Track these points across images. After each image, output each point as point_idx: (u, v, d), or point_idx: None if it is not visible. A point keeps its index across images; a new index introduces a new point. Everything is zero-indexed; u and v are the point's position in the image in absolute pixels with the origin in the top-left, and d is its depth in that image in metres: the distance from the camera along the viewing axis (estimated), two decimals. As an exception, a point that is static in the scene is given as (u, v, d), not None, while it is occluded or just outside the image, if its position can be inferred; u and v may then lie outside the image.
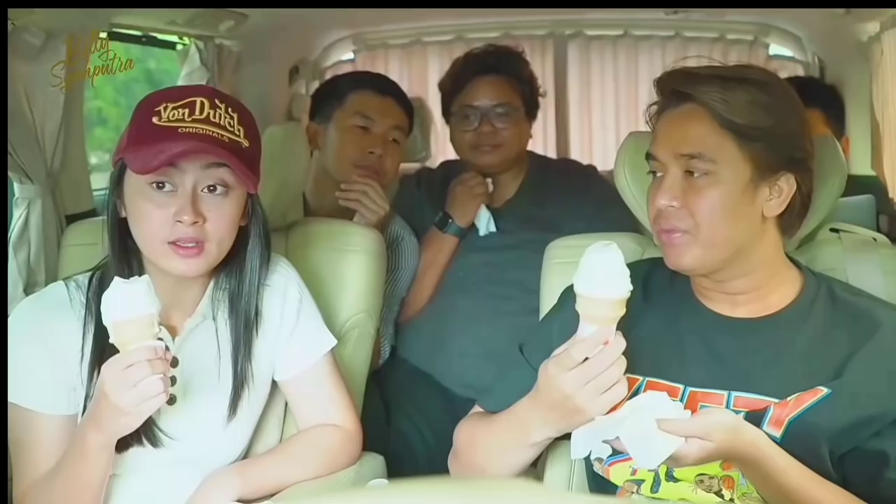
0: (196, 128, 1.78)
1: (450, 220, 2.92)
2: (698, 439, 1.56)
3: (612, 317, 1.62)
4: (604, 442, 1.64)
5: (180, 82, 3.63)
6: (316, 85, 4.49)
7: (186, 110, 1.79)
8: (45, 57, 2.54)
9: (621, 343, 1.63)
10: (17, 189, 2.57)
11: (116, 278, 1.67)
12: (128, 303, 1.63)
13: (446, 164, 3.33)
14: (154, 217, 1.78)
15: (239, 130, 1.83)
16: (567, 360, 1.63)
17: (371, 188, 2.77)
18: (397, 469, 2.37)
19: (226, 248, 1.86)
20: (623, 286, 1.61)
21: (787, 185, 1.72)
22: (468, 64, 3.06)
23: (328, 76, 4.53)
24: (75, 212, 2.73)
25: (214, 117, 1.80)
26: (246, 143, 1.83)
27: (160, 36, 3.51)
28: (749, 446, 1.61)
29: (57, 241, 2.58)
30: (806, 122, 1.76)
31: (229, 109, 1.83)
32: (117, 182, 1.84)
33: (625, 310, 1.62)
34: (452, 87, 3.05)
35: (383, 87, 3.00)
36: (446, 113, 3.10)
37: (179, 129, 1.77)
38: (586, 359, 1.63)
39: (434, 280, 2.97)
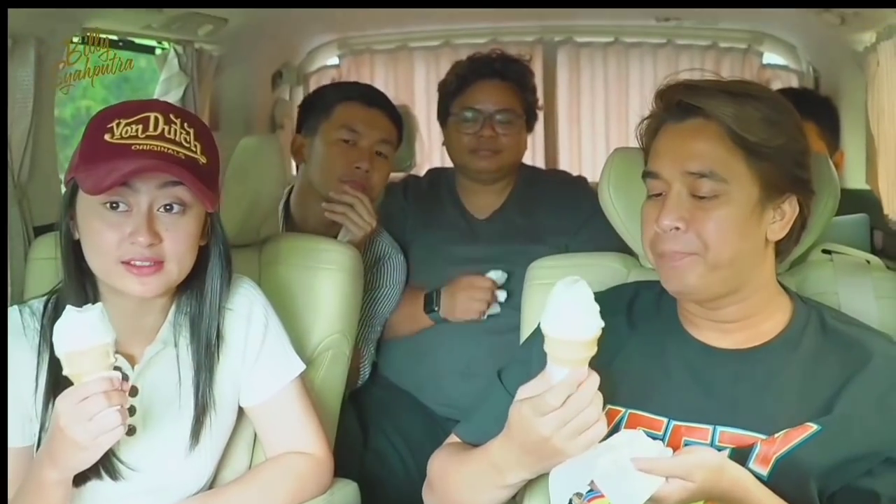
0: (150, 145, 1.71)
1: (436, 308, 2.82)
2: (679, 479, 1.50)
3: (583, 357, 1.54)
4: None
5: (158, 88, 3.58)
6: (300, 90, 4.45)
7: (140, 126, 1.72)
8: (13, 62, 2.46)
9: (595, 380, 1.54)
10: (-17, 200, 2.48)
11: (69, 307, 1.60)
12: (81, 332, 1.56)
13: (433, 172, 3.27)
14: (107, 237, 1.71)
15: (196, 146, 1.76)
16: (542, 405, 1.55)
17: (359, 202, 2.69)
18: (372, 491, 2.30)
19: (186, 268, 1.80)
20: (594, 325, 1.52)
21: (790, 209, 1.66)
22: (473, 66, 3.01)
23: (312, 82, 4.48)
24: (44, 223, 2.64)
25: (169, 133, 1.73)
26: (203, 160, 1.76)
27: (138, 40, 3.44)
28: (734, 486, 1.55)
29: (24, 255, 2.49)
30: (809, 143, 1.70)
31: (185, 124, 1.76)
32: (69, 203, 1.77)
33: (596, 349, 1.54)
34: (455, 87, 2.99)
35: (371, 98, 2.91)
36: (443, 115, 3.04)
37: (133, 147, 1.70)
38: None
39: (408, 332, 2.89)
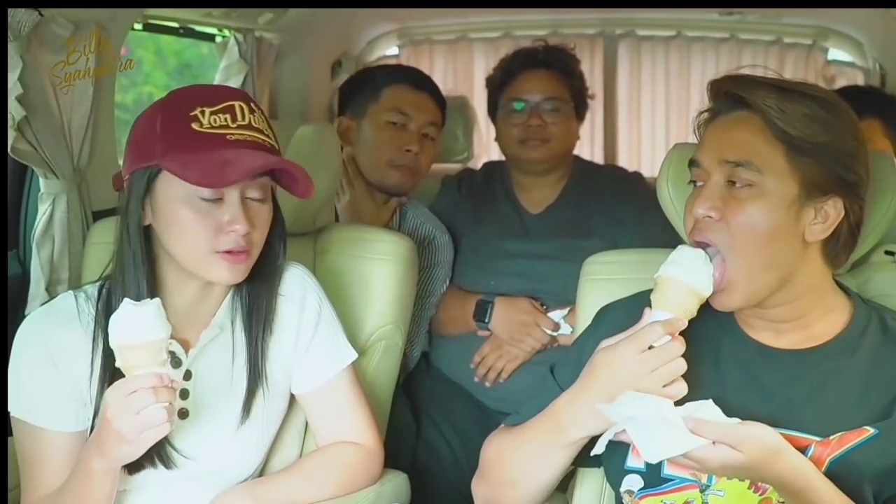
0: (243, 135, 1.73)
1: (486, 321, 2.81)
2: (727, 446, 1.48)
3: (690, 310, 1.59)
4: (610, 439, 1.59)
5: (218, 75, 3.58)
6: (357, 80, 4.44)
7: (228, 116, 1.73)
8: (76, 48, 2.47)
9: (683, 343, 1.57)
10: (43, 184, 2.50)
11: (126, 300, 1.60)
12: (136, 326, 1.57)
13: (489, 166, 3.26)
14: (201, 226, 1.72)
15: (273, 137, 1.79)
16: (644, 339, 1.57)
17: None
18: (423, 481, 2.29)
19: (258, 252, 1.82)
20: (710, 286, 1.59)
21: (833, 211, 1.61)
22: (518, 58, 3.02)
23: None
24: (104, 208, 2.66)
25: (255, 122, 1.76)
26: (278, 147, 1.79)
27: (198, 28, 3.45)
28: (793, 474, 1.52)
29: (82, 239, 2.52)
30: (863, 147, 1.64)
31: (262, 116, 1.79)
32: (146, 189, 1.75)
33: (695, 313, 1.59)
34: (501, 80, 3.01)
35: (418, 81, 2.97)
36: (492, 109, 3.06)
37: (227, 137, 1.71)
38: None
39: (458, 333, 2.90)
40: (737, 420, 1.51)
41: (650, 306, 1.61)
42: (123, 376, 1.59)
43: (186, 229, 1.73)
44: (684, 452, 1.48)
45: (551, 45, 3.05)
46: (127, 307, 1.58)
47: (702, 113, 1.73)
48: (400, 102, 2.87)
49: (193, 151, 1.69)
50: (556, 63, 2.98)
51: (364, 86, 2.96)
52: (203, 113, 1.72)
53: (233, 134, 1.71)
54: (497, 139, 3.04)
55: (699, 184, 1.66)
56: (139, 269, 1.77)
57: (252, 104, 1.78)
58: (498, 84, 3.02)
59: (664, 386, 1.56)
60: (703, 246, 1.62)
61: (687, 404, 1.56)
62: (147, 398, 1.55)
